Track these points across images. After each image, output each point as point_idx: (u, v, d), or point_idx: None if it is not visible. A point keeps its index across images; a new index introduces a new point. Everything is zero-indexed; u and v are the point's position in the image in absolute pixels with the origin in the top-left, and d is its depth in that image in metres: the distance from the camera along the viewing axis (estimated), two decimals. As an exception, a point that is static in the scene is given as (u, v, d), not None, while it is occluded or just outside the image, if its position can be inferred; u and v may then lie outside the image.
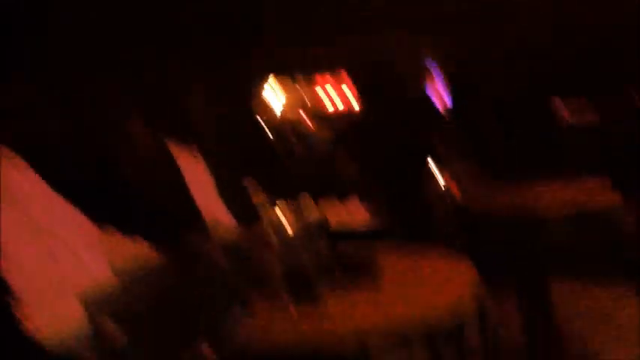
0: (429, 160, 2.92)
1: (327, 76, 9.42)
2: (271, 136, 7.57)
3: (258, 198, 2.47)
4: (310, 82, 10.71)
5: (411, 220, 2.54)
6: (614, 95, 6.23)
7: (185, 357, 0.91)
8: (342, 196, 2.74)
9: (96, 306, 1.10)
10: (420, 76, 3.29)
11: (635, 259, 4.32)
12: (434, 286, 1.30)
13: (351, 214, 2.07)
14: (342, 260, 1.46)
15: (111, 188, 1.93)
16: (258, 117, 8.55)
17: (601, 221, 4.82)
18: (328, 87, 10.53)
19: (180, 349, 0.92)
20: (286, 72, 9.43)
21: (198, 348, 0.93)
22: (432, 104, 3.21)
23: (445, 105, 4.50)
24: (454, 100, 8.61)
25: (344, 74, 7.29)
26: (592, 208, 3.73)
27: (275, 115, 9.33)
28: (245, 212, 2.58)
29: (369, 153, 2.98)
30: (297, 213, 1.25)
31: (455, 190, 3.02)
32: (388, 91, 2.99)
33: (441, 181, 2.97)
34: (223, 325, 1.01)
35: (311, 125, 8.88)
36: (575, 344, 3.35)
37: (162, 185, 2.53)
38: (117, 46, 2.63)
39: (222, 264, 1.29)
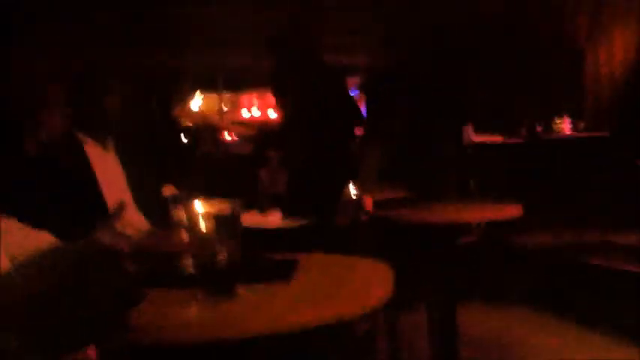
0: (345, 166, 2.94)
1: (250, 89, 9.58)
2: (187, 139, 7.53)
3: (172, 195, 2.41)
4: (234, 92, 10.77)
5: (329, 223, 2.55)
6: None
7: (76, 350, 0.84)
8: (260, 198, 2.71)
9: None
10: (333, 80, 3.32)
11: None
12: (349, 289, 1.29)
13: (267, 215, 2.05)
14: (259, 259, 1.43)
15: (13, 172, 1.82)
16: (177, 120, 8.44)
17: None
18: (250, 97, 10.61)
19: (72, 344, 0.84)
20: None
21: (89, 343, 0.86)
22: (347, 109, 3.24)
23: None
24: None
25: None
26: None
27: (194, 119, 9.29)
28: (157, 210, 2.51)
29: (286, 157, 2.96)
30: (210, 210, 1.20)
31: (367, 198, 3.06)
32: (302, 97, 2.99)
33: (352, 190, 2.99)
34: (118, 319, 0.95)
35: (229, 129, 8.91)
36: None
37: (69, 174, 2.41)
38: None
39: (127, 260, 1.22)
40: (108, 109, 2.56)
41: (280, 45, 3.05)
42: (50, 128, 1.36)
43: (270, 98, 9.95)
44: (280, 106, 3.11)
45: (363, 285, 1.29)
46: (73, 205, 2.36)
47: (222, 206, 1.19)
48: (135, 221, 2.45)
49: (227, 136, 8.42)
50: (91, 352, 0.75)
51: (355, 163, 3.19)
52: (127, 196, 2.57)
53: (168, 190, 2.44)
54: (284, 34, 3.06)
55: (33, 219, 1.65)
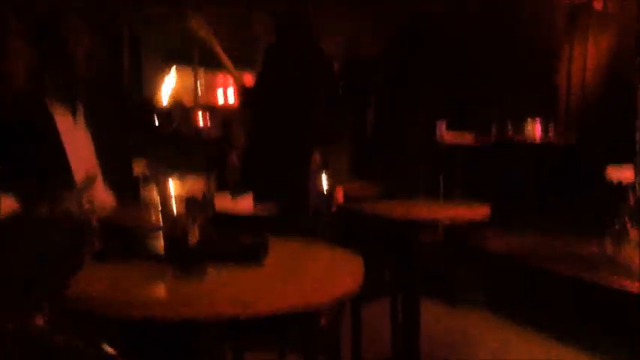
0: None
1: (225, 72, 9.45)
2: (159, 118, 7.45)
3: (142, 173, 2.37)
4: (210, 75, 10.66)
5: (299, 211, 2.55)
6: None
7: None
8: (230, 182, 2.69)
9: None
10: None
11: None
12: (319, 276, 1.28)
13: (238, 199, 2.03)
14: (230, 240, 1.41)
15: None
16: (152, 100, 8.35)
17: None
18: (226, 78, 10.48)
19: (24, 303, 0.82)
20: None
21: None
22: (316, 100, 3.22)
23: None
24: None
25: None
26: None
27: (169, 99, 9.19)
28: (126, 186, 2.48)
29: (254, 145, 2.94)
30: (179, 188, 1.18)
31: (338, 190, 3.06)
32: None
33: (324, 182, 2.99)
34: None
35: (201, 112, 8.85)
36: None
37: (36, 143, 2.36)
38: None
39: (94, 233, 1.19)
40: (75, 60, 2.47)
41: (286, 22, 3.03)
42: (15, 81, 1.31)
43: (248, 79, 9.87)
44: (260, 85, 3.07)
45: (334, 273, 1.29)
46: (38, 175, 2.31)
47: (195, 184, 1.17)
48: (103, 196, 2.41)
49: (200, 118, 8.34)
50: (39, 320, 0.72)
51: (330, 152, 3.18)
52: (96, 171, 2.52)
53: (139, 167, 2.40)
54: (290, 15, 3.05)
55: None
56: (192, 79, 9.68)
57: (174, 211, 1.19)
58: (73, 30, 2.47)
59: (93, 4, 6.52)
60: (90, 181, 1.25)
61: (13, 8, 1.27)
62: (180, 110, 7.50)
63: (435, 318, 4.22)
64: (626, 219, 4.29)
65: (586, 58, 5.89)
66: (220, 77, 11.49)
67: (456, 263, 5.09)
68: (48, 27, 2.46)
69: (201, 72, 9.34)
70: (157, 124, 6.80)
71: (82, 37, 2.49)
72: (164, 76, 10.74)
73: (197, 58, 8.92)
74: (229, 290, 1.08)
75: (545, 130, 5.67)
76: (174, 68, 10.96)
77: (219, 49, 3.06)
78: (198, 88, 9.43)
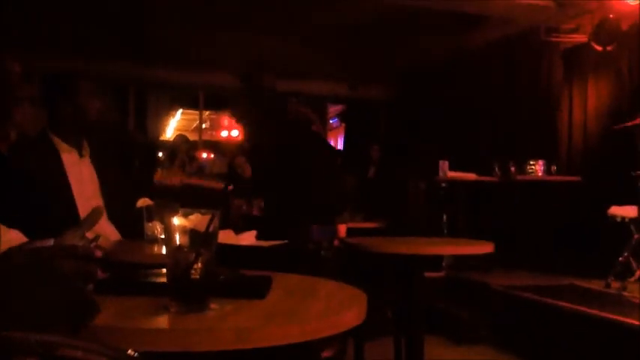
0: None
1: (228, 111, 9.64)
2: (163, 154, 7.55)
3: (146, 207, 2.39)
4: (215, 111, 10.81)
5: (302, 246, 2.55)
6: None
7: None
8: (233, 219, 2.71)
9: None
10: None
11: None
12: (322, 310, 1.28)
13: (241, 234, 2.05)
14: (234, 274, 1.42)
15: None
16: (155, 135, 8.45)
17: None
18: (230, 118, 10.59)
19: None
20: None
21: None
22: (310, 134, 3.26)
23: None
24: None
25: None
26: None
27: (174, 134, 9.29)
28: (129, 221, 2.49)
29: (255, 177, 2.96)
30: (183, 222, 1.20)
31: (341, 225, 3.07)
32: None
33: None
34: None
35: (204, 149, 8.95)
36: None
37: (42, 179, 2.39)
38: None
39: (98, 267, 1.20)
40: (82, 111, 2.56)
41: (249, 81, 3.09)
42: (20, 126, 1.34)
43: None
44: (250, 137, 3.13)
45: (337, 308, 1.29)
46: (43, 210, 2.34)
47: (199, 219, 1.18)
48: (106, 231, 2.43)
49: (203, 155, 8.42)
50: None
51: (333, 193, 3.19)
52: (100, 206, 2.54)
53: (143, 203, 2.42)
54: (252, 72, 3.10)
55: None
56: (197, 119, 9.85)
57: (178, 245, 1.20)
58: (79, 87, 2.58)
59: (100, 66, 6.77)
60: (96, 214, 1.26)
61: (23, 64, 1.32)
62: (184, 144, 7.58)
63: (439, 355, 4.19)
64: (630, 255, 4.29)
65: (586, 100, 5.95)
66: (224, 118, 11.63)
67: (460, 300, 5.06)
68: (58, 85, 2.59)
69: (205, 113, 9.51)
70: (160, 157, 6.87)
71: (91, 95, 2.59)
72: (169, 117, 10.91)
73: (202, 101, 9.13)
74: (231, 324, 1.08)
75: (547, 170, 5.70)
76: (179, 111, 11.16)
77: (189, 180, 3.16)
78: (203, 125, 9.57)
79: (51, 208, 2.36)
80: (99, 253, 1.12)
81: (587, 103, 5.94)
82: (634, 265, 4.30)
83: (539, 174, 5.68)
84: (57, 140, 2.56)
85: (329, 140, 11.00)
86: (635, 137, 4.46)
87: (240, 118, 3.13)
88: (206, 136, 9.54)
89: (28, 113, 1.50)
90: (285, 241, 2.01)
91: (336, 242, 2.89)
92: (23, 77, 1.39)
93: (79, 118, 2.56)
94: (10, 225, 1.65)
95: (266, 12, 6.34)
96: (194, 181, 3.18)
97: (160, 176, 2.87)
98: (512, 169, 5.70)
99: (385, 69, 8.52)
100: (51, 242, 1.16)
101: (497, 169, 5.87)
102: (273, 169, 2.89)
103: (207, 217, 1.18)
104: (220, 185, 3.56)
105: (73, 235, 1.22)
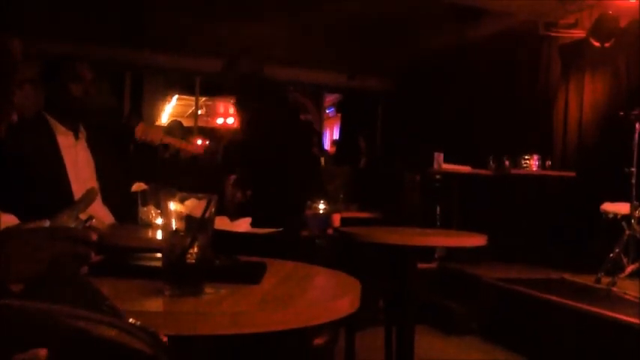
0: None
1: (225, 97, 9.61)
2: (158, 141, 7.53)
3: (141, 192, 2.39)
4: (211, 97, 10.78)
5: (296, 234, 2.56)
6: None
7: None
8: (227, 207, 2.70)
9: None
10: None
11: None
12: (316, 297, 1.30)
13: (236, 221, 2.05)
14: (229, 260, 1.43)
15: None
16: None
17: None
18: (226, 104, 10.58)
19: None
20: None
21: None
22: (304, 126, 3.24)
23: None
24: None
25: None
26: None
27: (168, 119, 9.26)
28: (124, 205, 2.49)
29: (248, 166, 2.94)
30: (179, 208, 1.20)
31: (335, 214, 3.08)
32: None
33: (322, 206, 3.01)
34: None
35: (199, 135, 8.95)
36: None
37: (38, 161, 2.39)
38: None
39: (93, 249, 1.20)
40: (67, 92, 2.55)
41: (233, 67, 3.07)
42: (21, 108, 1.34)
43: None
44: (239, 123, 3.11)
45: (331, 295, 1.30)
46: (38, 192, 2.34)
47: (196, 204, 1.19)
48: (100, 214, 2.43)
49: (198, 141, 8.41)
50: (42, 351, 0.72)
51: (319, 179, 3.18)
52: (95, 187, 2.54)
53: (137, 187, 2.42)
54: (236, 58, 3.08)
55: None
56: (193, 105, 9.82)
57: (174, 230, 1.20)
58: (75, 70, 2.57)
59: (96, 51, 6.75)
60: (90, 195, 1.26)
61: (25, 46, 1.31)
62: (178, 130, 7.55)
63: (429, 345, 4.22)
64: (620, 252, 4.32)
65: (582, 95, 5.97)
66: (220, 105, 11.58)
67: (451, 291, 5.09)
68: (47, 67, 2.58)
69: (201, 100, 9.48)
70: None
71: (84, 75, 2.58)
72: (165, 102, 10.87)
73: (198, 86, 9.10)
74: (225, 308, 1.09)
75: (542, 165, 5.72)
76: (175, 97, 11.12)
77: (168, 139, 3.12)
78: (198, 111, 9.54)
79: (46, 190, 2.36)
80: (94, 236, 1.12)
81: (584, 98, 5.95)
82: (624, 261, 4.32)
83: (534, 168, 5.70)
84: (53, 122, 2.56)
85: (325, 131, 11.00)
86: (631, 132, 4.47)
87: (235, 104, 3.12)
88: (201, 123, 9.51)
89: (29, 95, 1.50)
90: (280, 229, 2.02)
91: (330, 231, 2.90)
92: (23, 58, 1.39)
93: (64, 98, 2.56)
94: (4, 206, 1.65)
95: (264, 2, 6.32)
96: (173, 140, 3.17)
97: (140, 132, 2.85)
98: (507, 162, 5.72)
99: (383, 61, 8.51)
100: (47, 223, 1.16)
101: (491, 162, 5.89)
102: (256, 160, 2.87)
103: (204, 203, 1.18)
104: (200, 149, 3.55)
105: (67, 216, 1.22)
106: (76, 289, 0.97)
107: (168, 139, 3.06)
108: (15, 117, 1.37)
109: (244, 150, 2.93)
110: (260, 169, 2.74)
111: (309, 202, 3.30)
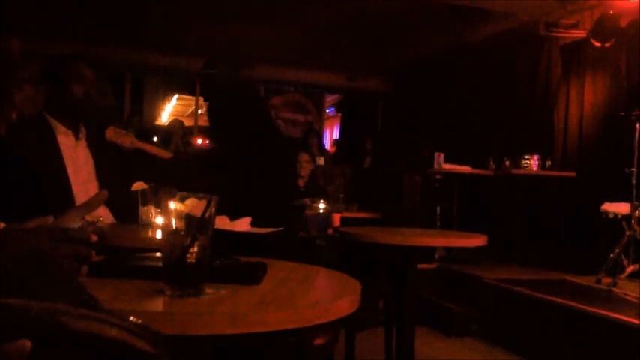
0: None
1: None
2: (159, 136, 7.55)
3: (141, 191, 2.39)
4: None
5: (294, 234, 2.56)
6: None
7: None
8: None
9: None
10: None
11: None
12: (316, 297, 1.29)
13: (236, 221, 2.05)
14: (229, 260, 1.43)
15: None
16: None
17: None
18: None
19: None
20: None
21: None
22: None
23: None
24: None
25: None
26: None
27: (169, 119, 9.24)
28: (124, 205, 2.49)
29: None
30: (179, 207, 1.20)
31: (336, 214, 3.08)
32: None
33: (322, 206, 3.00)
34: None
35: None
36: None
37: (38, 161, 2.39)
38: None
39: (94, 249, 1.20)
40: (68, 92, 2.55)
41: (210, 69, 3.06)
42: (20, 107, 1.34)
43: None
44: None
45: (331, 295, 1.30)
46: (37, 192, 2.33)
47: (196, 203, 1.18)
48: (101, 214, 2.42)
49: (198, 140, 8.41)
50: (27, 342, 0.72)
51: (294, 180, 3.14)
52: (95, 188, 2.54)
53: (137, 187, 2.42)
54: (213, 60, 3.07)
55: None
56: (193, 104, 9.81)
57: (174, 229, 1.20)
58: (77, 70, 2.57)
59: (97, 51, 6.75)
60: (98, 198, 1.26)
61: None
62: (179, 129, 7.56)
63: (429, 346, 4.22)
64: (621, 252, 4.32)
65: (583, 96, 5.96)
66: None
67: (451, 292, 5.09)
68: (48, 67, 2.58)
69: (201, 99, 9.49)
70: (156, 142, 6.86)
71: (86, 75, 2.58)
72: (165, 102, 10.88)
73: (198, 86, 9.11)
74: (226, 308, 1.09)
75: (542, 165, 5.72)
76: (175, 96, 11.12)
77: (139, 144, 3.11)
78: (199, 111, 9.54)
79: (46, 190, 2.36)
80: (94, 238, 1.11)
81: (584, 99, 5.95)
82: (625, 261, 4.32)
83: (534, 169, 5.69)
84: (54, 122, 2.56)
85: (325, 131, 11.00)
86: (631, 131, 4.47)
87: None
88: (202, 122, 9.51)
89: (28, 94, 1.49)
90: (280, 229, 2.01)
91: (330, 231, 2.90)
92: (23, 58, 1.38)
93: (65, 98, 2.56)
94: (4, 206, 1.65)
95: (267, 2, 6.32)
96: (144, 146, 3.16)
97: (110, 135, 2.84)
98: (507, 163, 5.72)
99: (383, 61, 8.51)
100: (50, 220, 1.16)
101: (491, 162, 5.89)
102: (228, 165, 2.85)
103: (204, 202, 1.18)
104: (168, 154, 3.54)
105: (72, 216, 1.22)
106: (67, 287, 0.97)
107: (139, 144, 3.05)
108: (14, 116, 1.37)
109: (215, 154, 2.91)
110: (234, 173, 2.73)
111: (308, 203, 3.31)
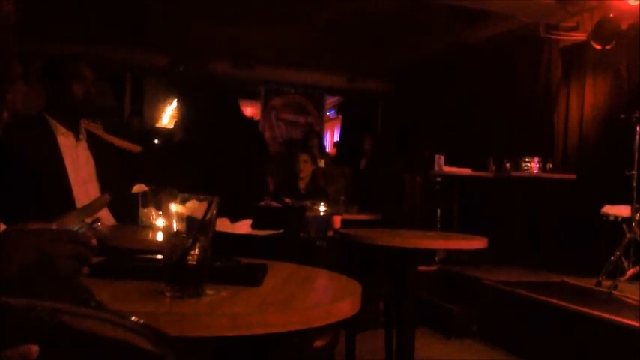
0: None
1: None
2: (160, 137, 7.55)
3: (142, 193, 2.39)
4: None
5: (295, 235, 2.55)
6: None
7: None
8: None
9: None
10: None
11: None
12: (316, 299, 1.29)
13: (237, 223, 2.05)
14: (230, 261, 1.43)
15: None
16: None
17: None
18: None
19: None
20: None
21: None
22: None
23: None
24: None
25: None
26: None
27: (170, 120, 9.25)
28: (125, 207, 2.49)
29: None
30: (180, 209, 1.20)
31: (336, 216, 3.07)
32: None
33: (322, 208, 3.00)
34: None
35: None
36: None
37: (38, 163, 2.39)
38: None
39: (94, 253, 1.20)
40: (68, 92, 2.54)
41: (177, 67, 3.07)
42: (13, 105, 1.34)
43: (248, 107, 9.95)
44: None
45: (331, 297, 1.30)
46: (37, 193, 2.33)
47: (197, 205, 1.18)
48: (101, 215, 2.42)
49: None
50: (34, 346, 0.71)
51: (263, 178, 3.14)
52: (95, 189, 2.54)
53: (138, 189, 2.42)
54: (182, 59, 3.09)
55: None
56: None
57: (175, 231, 1.20)
58: (77, 70, 2.57)
59: (97, 51, 6.75)
60: (101, 202, 1.25)
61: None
62: (181, 130, 7.55)
63: (429, 348, 4.21)
64: (621, 255, 4.32)
65: (583, 98, 5.96)
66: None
67: (451, 294, 5.09)
68: (48, 67, 2.58)
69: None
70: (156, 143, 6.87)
71: (86, 75, 2.58)
72: (166, 104, 10.87)
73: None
74: (226, 310, 1.09)
75: (542, 167, 5.71)
76: (175, 100, 11.11)
77: (108, 137, 3.12)
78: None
79: (46, 191, 2.36)
80: (94, 241, 1.11)
81: (585, 101, 5.95)
82: (625, 264, 4.32)
83: (534, 171, 5.69)
84: (54, 123, 2.56)
85: (325, 133, 10.99)
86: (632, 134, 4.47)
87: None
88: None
89: (21, 92, 1.48)
90: (281, 231, 2.02)
91: (330, 233, 2.89)
92: (15, 55, 1.38)
93: (65, 98, 2.55)
94: (4, 206, 1.65)
95: (267, 3, 6.32)
96: (112, 139, 3.17)
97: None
98: (507, 165, 5.72)
99: (384, 63, 8.51)
100: (54, 227, 1.16)
101: (492, 164, 5.89)
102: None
103: (205, 204, 1.18)
104: (137, 148, 3.54)
105: (74, 218, 1.22)
106: (68, 288, 0.97)
107: (108, 137, 3.05)
108: (6, 115, 1.37)
109: (188, 149, 2.91)
110: (207, 167, 2.72)
111: (309, 205, 3.31)
